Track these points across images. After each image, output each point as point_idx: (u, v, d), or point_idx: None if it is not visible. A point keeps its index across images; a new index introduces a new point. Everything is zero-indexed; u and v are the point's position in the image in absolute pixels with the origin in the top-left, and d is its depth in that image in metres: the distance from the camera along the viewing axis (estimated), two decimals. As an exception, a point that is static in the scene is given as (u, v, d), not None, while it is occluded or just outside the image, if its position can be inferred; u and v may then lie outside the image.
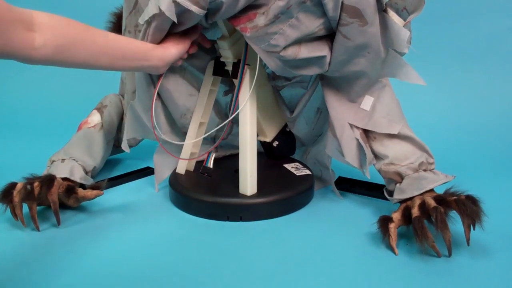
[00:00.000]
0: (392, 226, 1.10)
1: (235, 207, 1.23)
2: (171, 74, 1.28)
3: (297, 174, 1.36)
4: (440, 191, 1.16)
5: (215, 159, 1.34)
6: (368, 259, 1.07)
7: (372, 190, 1.35)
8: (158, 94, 1.28)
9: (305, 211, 1.30)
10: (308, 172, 1.38)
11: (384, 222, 1.12)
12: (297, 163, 1.44)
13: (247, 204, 1.23)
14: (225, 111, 1.45)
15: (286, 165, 1.42)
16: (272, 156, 1.46)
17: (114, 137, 1.53)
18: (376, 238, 1.13)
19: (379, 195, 1.31)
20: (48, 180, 1.18)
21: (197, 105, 1.32)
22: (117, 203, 1.33)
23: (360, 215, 1.27)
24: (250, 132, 1.21)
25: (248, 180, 1.23)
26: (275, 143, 1.42)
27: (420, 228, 1.05)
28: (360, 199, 1.36)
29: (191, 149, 1.34)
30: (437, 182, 1.16)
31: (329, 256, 1.08)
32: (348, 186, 1.40)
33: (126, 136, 1.35)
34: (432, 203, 1.08)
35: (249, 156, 1.21)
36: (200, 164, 1.34)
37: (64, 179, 1.25)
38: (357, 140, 1.22)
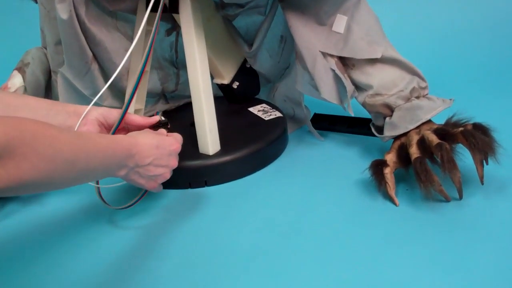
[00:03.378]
0: (387, 171, 0.91)
1: (196, 171, 1.02)
2: (103, 27, 1.05)
3: (266, 119, 1.15)
4: (439, 120, 0.96)
5: (165, 112, 1.12)
6: (364, 215, 0.88)
7: (356, 126, 1.14)
8: (93, 53, 1.07)
9: (281, 162, 1.10)
10: (278, 114, 1.17)
11: (378, 167, 0.92)
12: (264, 105, 1.22)
13: (211, 165, 1.02)
14: (170, 56, 1.20)
15: (251, 109, 1.20)
16: (233, 100, 1.24)
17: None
18: (370, 187, 0.94)
19: (365, 132, 1.11)
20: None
21: (133, 51, 1.08)
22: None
23: (346, 159, 1.07)
24: (202, 77, 0.98)
25: (208, 136, 1.01)
26: (235, 84, 1.19)
27: (423, 171, 0.86)
28: (343, 139, 1.16)
29: (134, 105, 1.10)
30: (435, 110, 0.96)
31: (318, 218, 0.89)
32: (327, 124, 1.19)
33: None
34: (434, 138, 0.88)
35: (205, 107, 0.99)
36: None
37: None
38: (333, 71, 1.00)
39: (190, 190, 1.02)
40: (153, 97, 1.23)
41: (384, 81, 0.99)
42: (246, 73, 1.21)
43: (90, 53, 1.05)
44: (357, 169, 0.99)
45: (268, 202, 0.96)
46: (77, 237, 0.91)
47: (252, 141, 1.06)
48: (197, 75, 0.98)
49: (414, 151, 0.90)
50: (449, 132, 0.89)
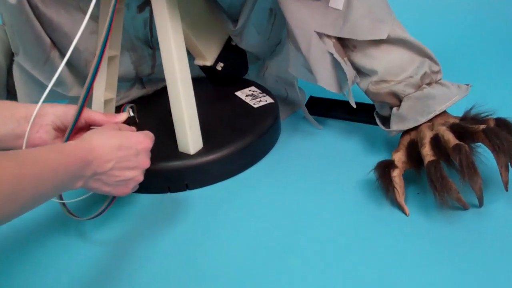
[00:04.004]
0: (395, 174, 0.78)
1: (176, 172, 0.89)
2: (61, 8, 0.90)
3: (255, 106, 1.01)
4: (454, 110, 0.83)
5: (140, 99, 0.98)
6: (369, 228, 0.76)
7: (357, 113, 1.00)
8: (51, 40, 0.91)
9: (273, 157, 0.96)
10: (269, 99, 1.03)
11: (385, 170, 0.79)
12: (253, 88, 1.08)
13: (192, 166, 0.89)
14: (144, 35, 1.05)
15: (239, 93, 1.06)
16: (218, 82, 1.10)
17: (4, 86, 1.12)
18: (376, 191, 0.81)
19: (368, 120, 0.98)
20: None
21: (99, 33, 0.93)
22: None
23: (347, 153, 0.94)
24: (178, 65, 0.84)
25: (188, 134, 0.87)
26: (219, 66, 1.05)
27: (439, 178, 0.73)
28: (343, 127, 1.02)
29: (104, 94, 0.96)
30: (450, 100, 0.82)
31: (315, 231, 0.77)
32: (324, 109, 1.05)
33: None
34: (450, 138, 0.75)
35: (184, 101, 0.85)
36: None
37: None
38: (331, 54, 0.86)
39: (169, 195, 0.90)
40: (128, 81, 1.09)
41: (390, 66, 0.85)
42: (231, 53, 1.06)
43: (47, 40, 0.90)
44: (360, 167, 0.87)
45: (258, 209, 0.83)
46: (40, 253, 0.80)
47: (239, 135, 0.93)
48: (172, 63, 0.84)
49: (427, 152, 0.77)
50: (469, 130, 0.76)
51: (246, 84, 1.09)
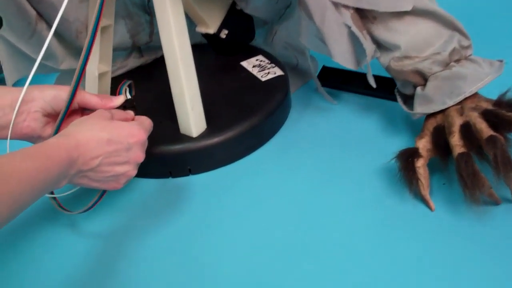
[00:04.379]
0: (420, 164, 0.71)
1: (177, 157, 0.81)
2: None
3: (263, 79, 0.92)
4: (488, 93, 0.74)
5: (138, 69, 0.90)
6: (390, 226, 0.69)
7: (375, 88, 0.90)
8: (37, 11, 0.82)
9: (281, 139, 0.88)
10: (278, 71, 0.94)
11: (408, 160, 0.72)
12: (260, 57, 0.99)
13: (195, 150, 0.81)
14: (141, 0, 0.96)
15: (245, 64, 0.97)
16: (222, 51, 1.00)
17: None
18: (397, 182, 0.73)
19: (388, 96, 0.89)
20: None
21: (90, 1, 0.83)
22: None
23: (365, 134, 0.86)
24: (178, 39, 0.75)
25: (190, 116, 0.79)
26: (223, 33, 0.96)
27: (470, 175, 0.66)
28: (359, 102, 0.94)
29: (98, 67, 0.87)
30: (482, 80, 0.73)
31: (327, 227, 0.70)
32: (339, 81, 0.96)
33: (8, 80, 0.88)
34: (483, 128, 0.67)
35: (185, 79, 0.77)
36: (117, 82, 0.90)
37: None
38: (348, 27, 0.77)
39: (170, 180, 0.83)
40: (125, 49, 1.00)
41: (415, 40, 0.76)
42: (236, 18, 0.96)
43: (33, 12, 0.81)
44: (379, 151, 0.79)
45: (264, 198, 0.76)
46: (32, 248, 0.74)
47: (246, 114, 0.84)
48: (171, 39, 0.75)
49: (456, 143, 0.69)
50: (504, 118, 0.68)
51: (253, 52, 1.00)
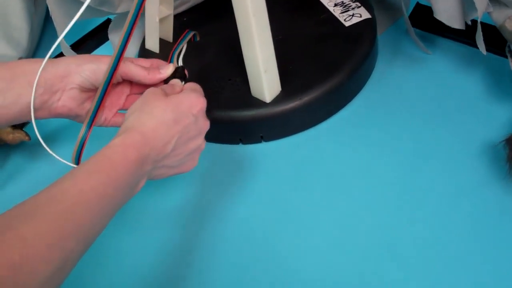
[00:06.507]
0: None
1: (248, 124, 0.73)
2: None
3: (347, 24, 0.80)
4: None
5: (204, 5, 0.81)
6: (492, 220, 0.60)
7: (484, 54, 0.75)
8: None
9: (364, 99, 0.77)
10: (364, 13, 0.80)
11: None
12: (343, -9, 0.85)
13: (268, 116, 0.72)
14: None
15: (325, 0, 0.84)
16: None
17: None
18: (503, 165, 0.62)
19: (495, 49, 0.75)
20: None
21: None
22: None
23: (463, 96, 0.74)
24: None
25: (263, 78, 0.69)
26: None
27: None
28: (458, 51, 0.80)
29: (159, 10, 0.77)
30: None
31: (416, 221, 0.61)
32: (435, 23, 0.81)
33: (58, 28, 0.79)
34: None
35: (258, 39, 0.65)
36: (183, 26, 0.81)
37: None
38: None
39: (241, 147, 0.75)
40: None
41: (541, -3, 0.61)
42: None
43: None
44: (483, 121, 0.69)
45: (344, 172, 0.68)
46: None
47: (326, 73, 0.73)
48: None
49: None
50: None
51: (335, -16, 0.86)
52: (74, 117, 0.60)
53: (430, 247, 0.58)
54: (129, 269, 0.63)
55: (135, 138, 0.49)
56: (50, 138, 0.80)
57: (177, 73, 0.62)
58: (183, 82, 0.62)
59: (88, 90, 0.59)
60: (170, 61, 0.65)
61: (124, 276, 0.63)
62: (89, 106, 0.59)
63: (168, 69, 0.61)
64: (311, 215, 0.64)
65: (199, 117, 0.56)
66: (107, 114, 0.62)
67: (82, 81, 0.57)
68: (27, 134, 0.75)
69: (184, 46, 0.68)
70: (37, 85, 0.55)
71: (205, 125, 0.58)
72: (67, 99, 0.57)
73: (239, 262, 0.61)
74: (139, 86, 0.63)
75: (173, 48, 0.66)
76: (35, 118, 0.57)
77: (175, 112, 0.53)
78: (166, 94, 0.55)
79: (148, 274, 0.62)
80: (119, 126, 0.53)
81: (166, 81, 0.61)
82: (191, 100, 0.55)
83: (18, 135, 0.76)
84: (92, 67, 0.57)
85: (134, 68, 0.59)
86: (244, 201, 0.67)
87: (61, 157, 0.59)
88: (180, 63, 0.65)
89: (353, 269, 0.58)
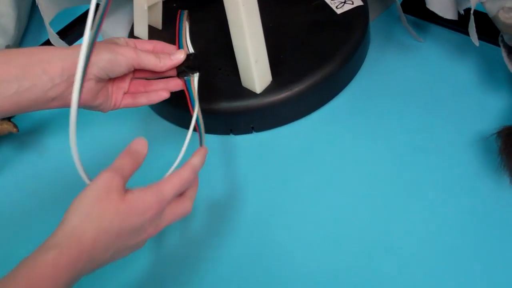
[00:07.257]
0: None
1: (238, 114, 0.72)
2: None
3: (338, 12, 0.78)
4: None
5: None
6: (484, 217, 0.59)
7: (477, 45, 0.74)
8: None
9: (356, 88, 0.76)
10: (357, 0, 0.79)
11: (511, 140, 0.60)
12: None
13: (258, 107, 0.71)
14: None
15: (315, -14, 0.83)
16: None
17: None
18: (496, 162, 0.62)
19: (487, 38, 0.74)
20: None
21: None
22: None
23: (456, 85, 0.73)
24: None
25: (254, 68, 0.68)
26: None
27: None
28: (451, 39, 0.79)
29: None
30: None
31: (414, 219, 0.61)
32: (427, 11, 0.80)
33: (45, 17, 0.77)
34: None
35: (248, 28, 0.64)
36: (172, 12, 0.79)
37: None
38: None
39: (232, 138, 0.74)
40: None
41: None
42: None
43: None
44: (476, 111, 0.69)
45: (334, 162, 0.68)
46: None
47: (317, 62, 0.73)
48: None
49: None
50: None
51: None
52: (88, 108, 0.58)
53: (423, 239, 0.58)
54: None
55: (71, 256, 0.44)
56: (38, 129, 0.79)
57: (190, 62, 0.60)
58: (196, 74, 0.60)
59: (102, 81, 0.57)
60: (179, 46, 0.62)
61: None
62: (104, 97, 0.58)
63: (180, 55, 0.59)
64: (302, 206, 0.64)
65: (149, 222, 0.50)
66: (116, 98, 0.60)
67: (99, 71, 0.54)
68: (15, 125, 0.74)
69: (186, 28, 0.65)
70: (50, 77, 0.53)
71: (153, 232, 0.51)
72: (83, 90, 0.54)
73: (226, 253, 0.61)
74: (144, 71, 0.61)
75: (177, 31, 0.63)
76: (50, 108, 0.55)
77: (124, 222, 0.48)
78: (125, 192, 0.49)
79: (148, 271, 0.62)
80: (130, 107, 0.55)
81: (178, 68, 0.60)
82: (150, 205, 0.49)
83: (6, 126, 0.75)
84: (108, 57, 0.54)
85: (144, 56, 0.57)
86: (234, 192, 0.67)
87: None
88: (190, 48, 0.62)
89: (345, 261, 0.58)
